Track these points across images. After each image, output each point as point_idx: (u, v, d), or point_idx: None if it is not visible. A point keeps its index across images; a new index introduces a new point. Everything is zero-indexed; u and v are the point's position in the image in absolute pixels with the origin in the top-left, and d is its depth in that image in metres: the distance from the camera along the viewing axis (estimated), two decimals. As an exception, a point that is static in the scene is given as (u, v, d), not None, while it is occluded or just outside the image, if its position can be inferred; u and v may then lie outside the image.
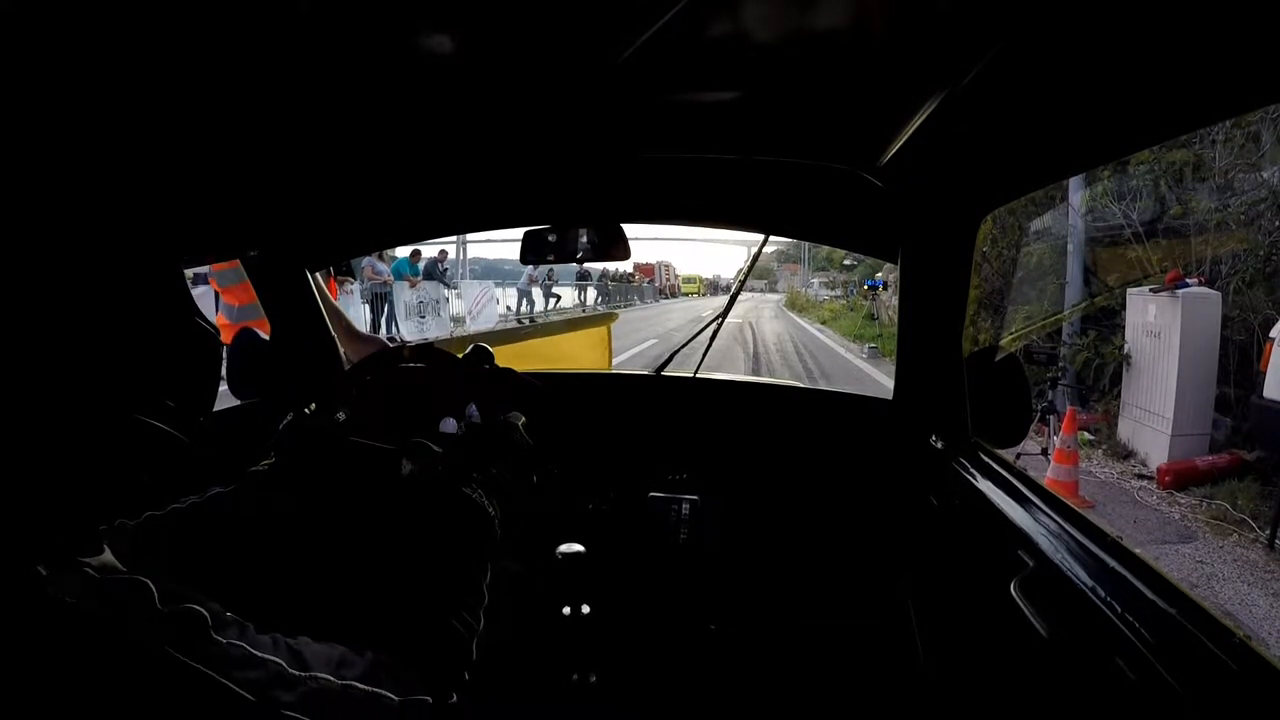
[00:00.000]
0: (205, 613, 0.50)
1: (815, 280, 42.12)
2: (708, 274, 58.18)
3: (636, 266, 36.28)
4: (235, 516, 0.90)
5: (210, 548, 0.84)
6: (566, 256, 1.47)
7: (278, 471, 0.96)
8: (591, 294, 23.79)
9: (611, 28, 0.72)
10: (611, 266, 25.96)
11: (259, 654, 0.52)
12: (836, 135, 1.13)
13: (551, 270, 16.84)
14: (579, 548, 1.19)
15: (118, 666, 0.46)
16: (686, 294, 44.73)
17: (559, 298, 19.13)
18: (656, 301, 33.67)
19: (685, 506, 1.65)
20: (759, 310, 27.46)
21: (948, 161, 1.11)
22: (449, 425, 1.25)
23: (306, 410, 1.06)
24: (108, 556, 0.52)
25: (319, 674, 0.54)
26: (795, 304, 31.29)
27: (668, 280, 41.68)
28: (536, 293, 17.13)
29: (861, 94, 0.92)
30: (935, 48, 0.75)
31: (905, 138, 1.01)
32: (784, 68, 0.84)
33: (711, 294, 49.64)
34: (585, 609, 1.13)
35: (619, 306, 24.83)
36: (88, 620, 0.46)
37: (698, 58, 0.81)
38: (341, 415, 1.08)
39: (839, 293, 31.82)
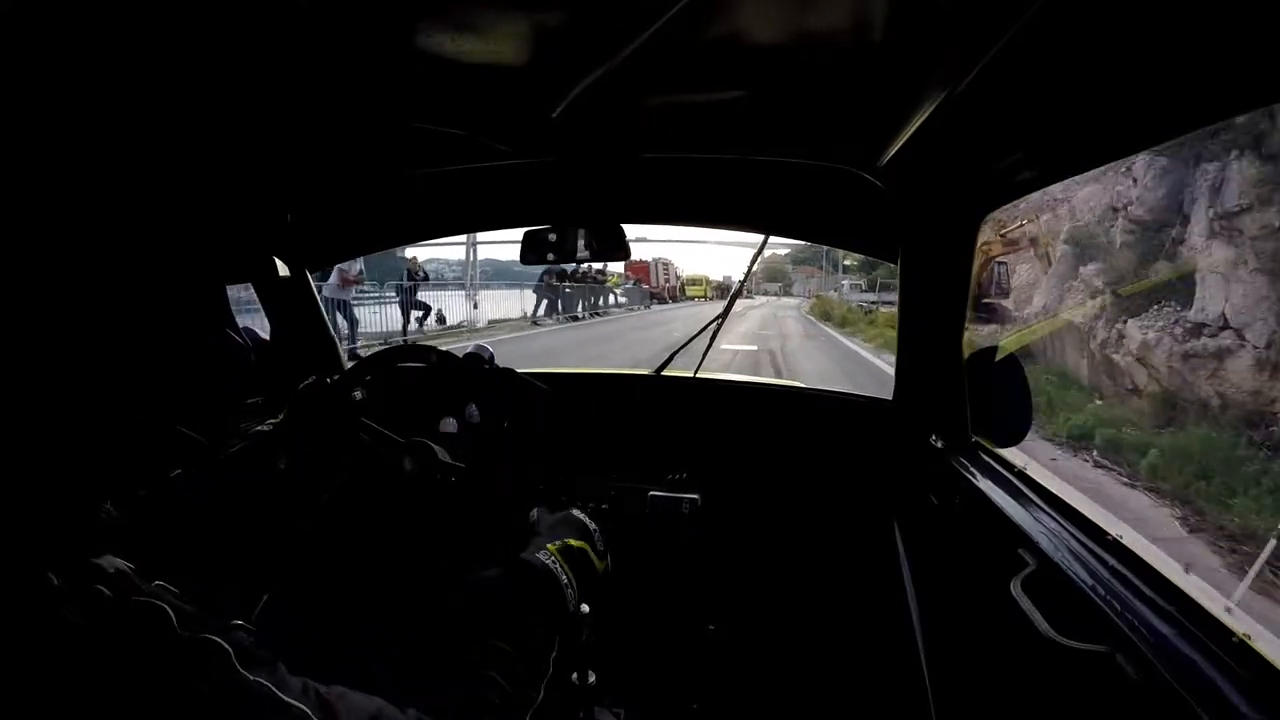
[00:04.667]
0: (226, 645, 0.48)
1: (844, 281, 36.52)
2: (717, 275, 50.88)
3: (628, 265, 28.95)
4: (239, 482, 0.88)
5: (215, 516, 0.83)
6: (566, 256, 1.47)
7: (283, 433, 0.95)
8: (528, 303, 16.74)
9: (612, 27, 0.72)
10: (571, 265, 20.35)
11: (285, 698, 0.48)
12: (836, 135, 1.13)
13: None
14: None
15: (137, 700, 0.45)
16: (692, 297, 38.92)
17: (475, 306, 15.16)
18: (646, 308, 27.02)
19: (686, 506, 1.65)
20: (781, 323, 19.75)
21: (948, 161, 1.11)
22: (449, 425, 1.25)
23: (328, 379, 1.06)
24: (116, 560, 0.51)
25: None
26: (828, 313, 23.53)
27: (666, 281, 34.28)
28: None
29: (861, 94, 0.92)
30: (935, 48, 0.75)
31: (905, 138, 1.02)
32: (784, 68, 0.84)
33: (720, 298, 43.65)
34: (584, 608, 1.13)
35: (576, 319, 17.29)
36: (104, 646, 0.45)
37: (698, 58, 0.81)
38: (359, 394, 1.08)
39: (875, 297, 26.39)
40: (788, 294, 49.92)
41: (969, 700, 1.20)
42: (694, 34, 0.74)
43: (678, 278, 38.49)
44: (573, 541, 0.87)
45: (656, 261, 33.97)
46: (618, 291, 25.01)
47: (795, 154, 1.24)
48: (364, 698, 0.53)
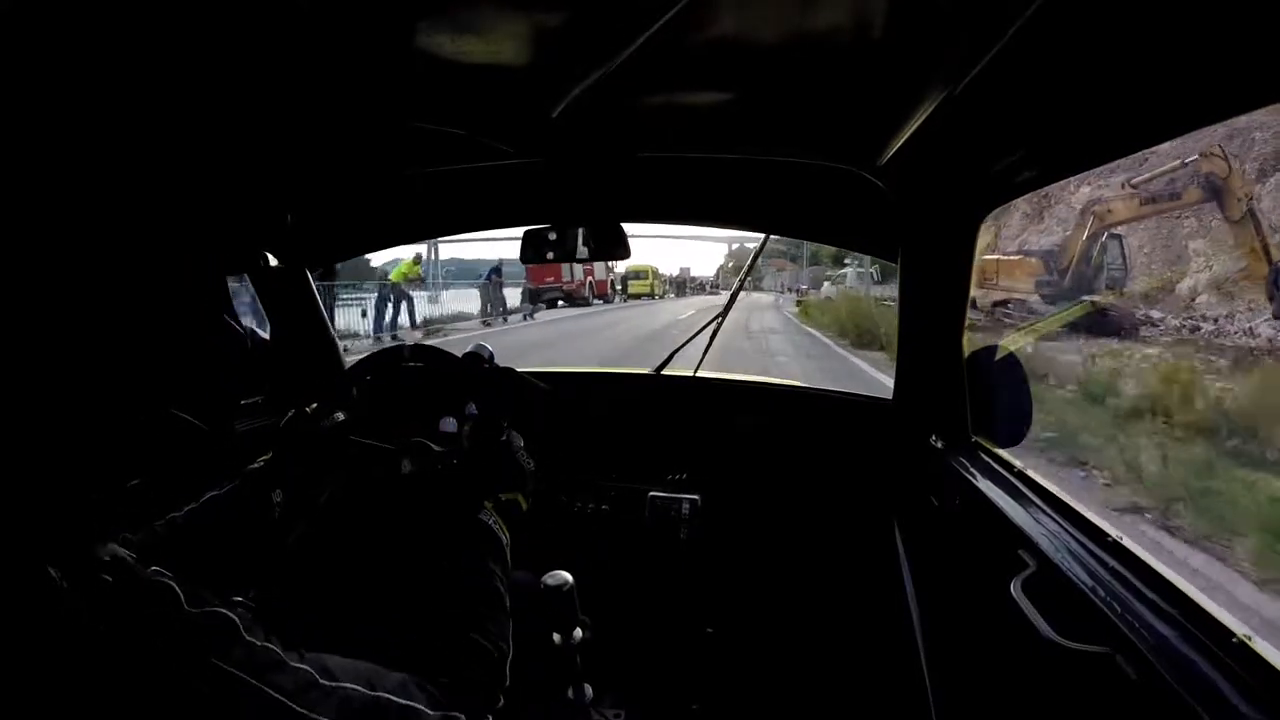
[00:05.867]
0: (234, 617, 0.50)
1: (847, 270, 25.06)
2: (672, 268, 42.69)
3: None
4: (235, 520, 0.89)
5: (213, 555, 0.85)
6: (566, 256, 1.47)
7: (274, 469, 0.97)
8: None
9: (612, 27, 0.72)
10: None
11: (291, 662, 0.51)
12: (836, 135, 1.13)
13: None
14: (566, 577, 1.14)
15: (152, 672, 0.46)
16: (635, 295, 29.59)
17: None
18: (526, 319, 16.16)
19: (685, 506, 1.65)
20: (766, 354, 9.97)
21: (948, 161, 1.11)
22: (449, 424, 1.25)
23: (308, 409, 1.06)
24: (115, 548, 0.51)
25: (348, 684, 0.54)
26: (868, 334, 10.47)
27: (589, 275, 23.11)
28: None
29: (861, 94, 0.92)
30: (935, 47, 0.75)
31: (905, 138, 1.01)
32: (784, 68, 0.84)
33: (677, 294, 36.75)
34: (579, 634, 1.13)
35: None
36: (113, 628, 0.46)
37: (698, 58, 0.81)
38: (340, 415, 1.08)
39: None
40: (758, 289, 41.52)
41: (969, 701, 1.20)
42: (694, 34, 0.74)
43: (610, 269, 26.48)
44: (503, 495, 0.95)
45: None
46: (421, 295, 13.77)
47: (795, 154, 1.24)
48: (351, 662, 0.56)
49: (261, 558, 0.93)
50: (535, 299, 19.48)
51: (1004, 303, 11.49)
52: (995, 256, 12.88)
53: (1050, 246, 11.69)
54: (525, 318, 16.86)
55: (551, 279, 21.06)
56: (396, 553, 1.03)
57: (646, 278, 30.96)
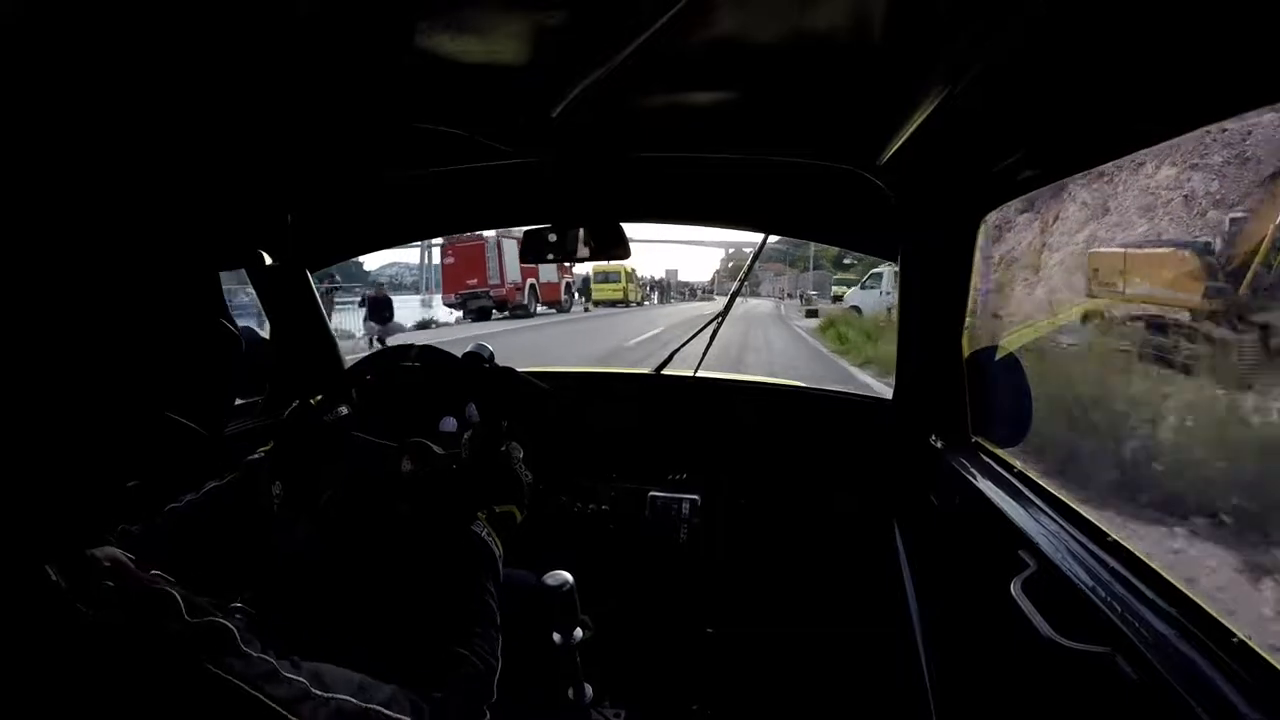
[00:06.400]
0: (231, 627, 0.51)
1: (884, 268, 15.10)
2: (655, 270, 38.47)
3: (448, 245, 16.81)
4: (235, 510, 0.90)
5: (213, 546, 0.85)
6: (567, 255, 1.47)
7: (276, 459, 0.97)
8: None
9: (612, 27, 0.72)
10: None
11: (284, 672, 0.52)
12: (836, 135, 1.13)
13: None
14: (566, 577, 1.13)
15: (151, 680, 0.47)
16: (604, 301, 25.22)
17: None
18: (381, 341, 10.01)
19: (685, 506, 1.65)
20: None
21: (948, 161, 1.11)
22: (449, 424, 1.25)
23: (312, 401, 1.06)
24: (112, 550, 0.52)
25: (341, 695, 0.55)
26: None
27: (529, 279, 18.47)
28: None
29: (861, 94, 0.92)
30: (935, 47, 0.75)
31: (905, 137, 1.01)
32: (784, 68, 0.84)
33: (663, 300, 33.55)
34: (579, 633, 1.12)
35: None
36: (115, 635, 0.47)
37: (697, 58, 0.81)
38: (344, 410, 1.08)
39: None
40: (754, 294, 38.90)
41: (969, 701, 1.20)
42: (694, 34, 0.74)
43: (565, 270, 20.80)
44: (498, 507, 0.97)
45: (502, 242, 16.45)
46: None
47: (795, 153, 1.24)
48: (344, 672, 0.58)
49: (260, 551, 0.93)
50: (501, 307, 14.61)
51: (1156, 322, 6.98)
52: (1118, 249, 7.53)
53: (1207, 236, 7.79)
54: (372, 342, 11.24)
55: (474, 282, 16.52)
56: (392, 564, 1.04)
57: (617, 280, 25.47)
